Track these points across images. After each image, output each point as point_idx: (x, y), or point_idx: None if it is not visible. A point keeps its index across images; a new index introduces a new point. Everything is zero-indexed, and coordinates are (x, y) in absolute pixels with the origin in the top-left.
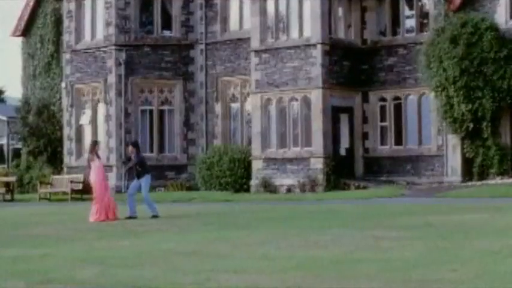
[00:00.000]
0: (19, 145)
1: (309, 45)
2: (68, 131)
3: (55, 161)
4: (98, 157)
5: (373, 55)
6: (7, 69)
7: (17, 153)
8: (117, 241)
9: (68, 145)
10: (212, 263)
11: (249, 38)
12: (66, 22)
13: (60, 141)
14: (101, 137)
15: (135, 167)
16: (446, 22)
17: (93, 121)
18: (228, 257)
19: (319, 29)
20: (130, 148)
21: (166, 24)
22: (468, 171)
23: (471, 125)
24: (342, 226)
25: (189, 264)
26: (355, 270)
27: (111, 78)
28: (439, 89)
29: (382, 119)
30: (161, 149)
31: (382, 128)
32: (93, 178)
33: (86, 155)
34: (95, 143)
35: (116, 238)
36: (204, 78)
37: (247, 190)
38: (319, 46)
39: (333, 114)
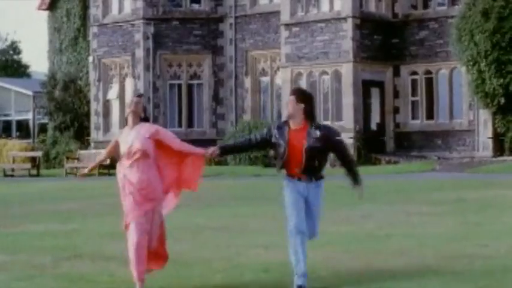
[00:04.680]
0: (45, 120)
1: (339, 19)
2: (95, 106)
3: (82, 135)
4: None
5: (404, 29)
6: (33, 43)
7: (42, 128)
8: None
9: (95, 120)
10: (242, 238)
11: (279, 12)
12: None
13: (87, 115)
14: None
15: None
16: None
17: (121, 96)
18: (257, 232)
19: (350, 2)
20: (292, 101)
21: None
22: (499, 146)
23: (502, 100)
24: (373, 201)
25: (218, 239)
26: (385, 246)
27: (139, 53)
28: (471, 63)
29: (414, 94)
30: (190, 123)
31: (413, 102)
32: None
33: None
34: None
35: None
36: (234, 52)
37: None
38: (349, 20)
39: (364, 89)
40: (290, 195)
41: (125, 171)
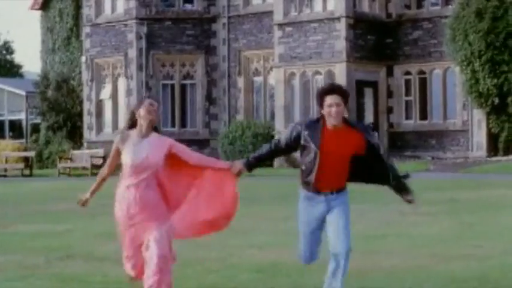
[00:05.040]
0: (38, 120)
1: (333, 19)
2: (88, 106)
3: (74, 135)
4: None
5: (398, 29)
6: (26, 43)
7: (35, 128)
8: None
9: (88, 120)
10: (236, 238)
11: (272, 11)
12: None
13: (79, 115)
14: (122, 111)
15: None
16: None
17: (114, 96)
18: (252, 233)
19: (343, 2)
20: (338, 105)
21: None
22: (493, 146)
23: (496, 100)
24: (368, 201)
25: (212, 239)
26: (379, 246)
27: (132, 52)
28: (465, 63)
29: (407, 94)
30: (183, 123)
31: (407, 102)
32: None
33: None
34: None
35: None
36: (227, 52)
37: (270, 165)
38: (343, 20)
39: (357, 89)
40: (304, 219)
41: (128, 191)
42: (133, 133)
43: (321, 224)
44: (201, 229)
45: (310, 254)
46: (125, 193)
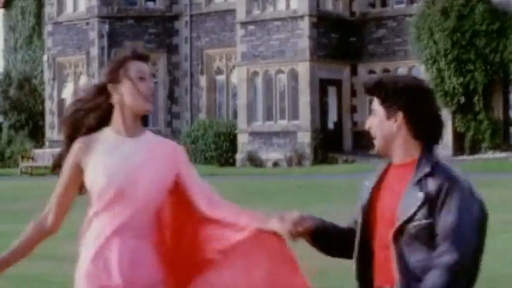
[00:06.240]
0: (0, 119)
1: (296, 17)
2: (49, 105)
3: (37, 135)
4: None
5: (362, 27)
6: None
7: None
8: None
9: (49, 119)
10: None
11: (234, 10)
12: None
13: (41, 114)
14: None
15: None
16: None
17: (76, 94)
18: None
19: (307, 0)
20: (375, 114)
21: None
22: (459, 145)
23: (462, 99)
24: (329, 201)
25: None
26: None
27: (94, 51)
28: (430, 62)
29: None
30: (145, 122)
31: (371, 101)
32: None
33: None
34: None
35: None
36: (189, 50)
37: (233, 164)
38: (306, 18)
39: (321, 87)
40: None
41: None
42: (105, 132)
43: None
44: None
45: None
46: (101, 246)
